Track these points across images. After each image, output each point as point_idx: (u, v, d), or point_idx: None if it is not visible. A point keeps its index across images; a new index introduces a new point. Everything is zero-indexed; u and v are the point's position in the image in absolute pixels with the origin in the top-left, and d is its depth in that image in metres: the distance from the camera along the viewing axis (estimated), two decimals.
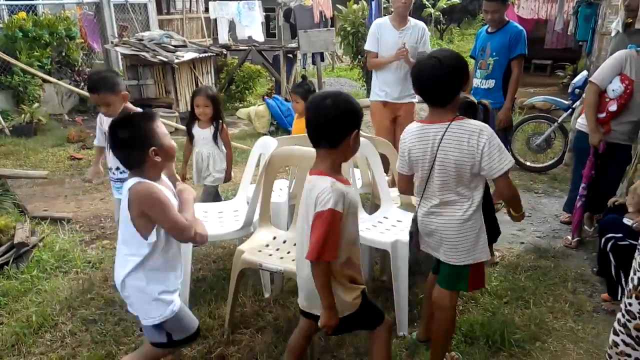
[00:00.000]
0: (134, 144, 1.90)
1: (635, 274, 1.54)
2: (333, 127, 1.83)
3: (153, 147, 1.90)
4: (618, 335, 1.58)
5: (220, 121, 3.57)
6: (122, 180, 2.57)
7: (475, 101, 2.77)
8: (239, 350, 2.52)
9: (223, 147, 3.62)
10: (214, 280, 3.19)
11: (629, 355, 1.55)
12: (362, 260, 3.16)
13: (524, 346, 2.53)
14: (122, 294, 2.00)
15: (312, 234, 1.79)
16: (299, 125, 4.12)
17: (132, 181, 1.90)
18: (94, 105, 3.51)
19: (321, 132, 1.86)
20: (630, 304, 1.53)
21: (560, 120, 5.33)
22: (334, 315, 1.84)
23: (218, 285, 3.09)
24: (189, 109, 3.67)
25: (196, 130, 3.56)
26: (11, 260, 3.31)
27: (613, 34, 4.32)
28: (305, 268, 1.87)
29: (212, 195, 3.71)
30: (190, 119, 3.61)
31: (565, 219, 4.19)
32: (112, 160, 3.00)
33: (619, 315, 1.58)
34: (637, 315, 1.51)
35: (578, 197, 3.63)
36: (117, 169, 2.98)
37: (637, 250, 1.54)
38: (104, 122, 3.10)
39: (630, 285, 1.56)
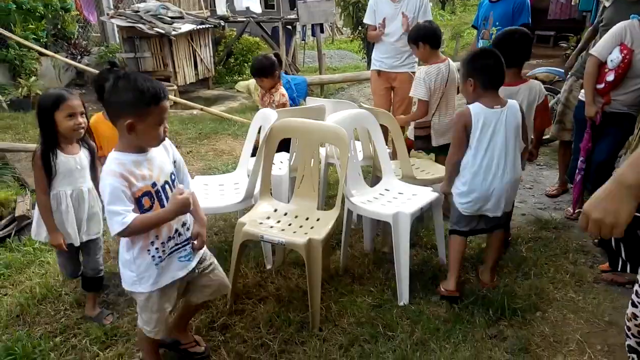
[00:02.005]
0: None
1: None
2: (525, 52, 2.92)
3: None
4: (637, 307, 1.56)
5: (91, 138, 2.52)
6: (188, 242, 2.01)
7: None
8: (241, 320, 2.54)
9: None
10: (216, 252, 3.16)
11: None
12: (363, 232, 3.20)
13: (524, 316, 2.55)
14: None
15: (545, 112, 2.94)
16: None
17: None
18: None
19: (521, 56, 2.91)
20: None
21: (562, 89, 5.27)
22: None
23: (220, 257, 3.08)
24: (43, 125, 2.27)
25: (63, 158, 2.28)
26: (13, 233, 3.33)
27: (607, 4, 4.23)
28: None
29: (101, 249, 2.60)
30: (47, 143, 2.26)
31: (552, 192, 4.20)
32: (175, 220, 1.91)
33: (636, 287, 1.57)
34: None
35: (577, 171, 3.62)
36: (183, 225, 1.98)
37: None
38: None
39: None
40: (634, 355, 1.60)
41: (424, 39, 3.42)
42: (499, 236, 2.79)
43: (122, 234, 1.75)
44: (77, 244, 2.40)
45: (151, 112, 1.76)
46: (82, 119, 2.29)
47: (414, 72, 4.51)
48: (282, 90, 3.84)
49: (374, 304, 2.66)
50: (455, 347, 2.33)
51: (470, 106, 2.54)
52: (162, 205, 1.86)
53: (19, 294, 2.73)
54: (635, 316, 1.56)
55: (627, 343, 1.62)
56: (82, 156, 2.38)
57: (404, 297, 2.67)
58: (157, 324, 1.97)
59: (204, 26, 8.63)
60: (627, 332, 1.61)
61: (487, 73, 2.52)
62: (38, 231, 2.43)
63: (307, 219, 2.70)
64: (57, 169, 2.26)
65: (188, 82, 8.47)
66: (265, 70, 3.73)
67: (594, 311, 2.60)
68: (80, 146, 2.39)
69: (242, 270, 2.90)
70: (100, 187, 1.78)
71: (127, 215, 1.72)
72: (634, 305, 1.57)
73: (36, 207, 2.36)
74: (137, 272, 1.87)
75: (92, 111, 3.25)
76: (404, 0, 4.31)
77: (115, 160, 1.79)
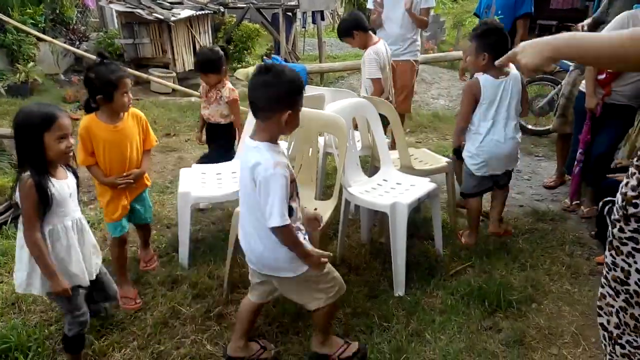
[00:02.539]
0: None
1: (612, 228, 1.62)
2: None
3: None
4: (604, 287, 1.66)
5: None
6: None
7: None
8: (237, 309, 2.52)
9: None
10: (212, 241, 3.20)
11: (612, 307, 1.62)
12: (360, 222, 3.20)
13: (519, 307, 2.55)
14: None
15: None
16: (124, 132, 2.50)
17: None
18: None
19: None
20: (606, 256, 1.62)
21: (563, 82, 5.24)
22: None
23: (217, 246, 3.10)
24: (32, 144, 1.87)
25: (57, 185, 1.92)
26: (9, 220, 3.32)
27: None
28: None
29: (107, 273, 2.32)
30: (38, 169, 1.87)
31: (550, 183, 4.20)
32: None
33: (604, 268, 1.67)
34: (612, 266, 1.58)
35: (575, 162, 3.61)
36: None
37: (615, 208, 1.58)
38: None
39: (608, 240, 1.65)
40: (605, 333, 1.68)
41: (356, 27, 3.74)
42: (500, 192, 3.21)
43: (278, 229, 1.78)
44: (86, 284, 2.05)
45: (300, 99, 1.83)
46: (72, 141, 1.97)
47: (416, 61, 4.49)
48: (230, 84, 3.51)
49: (370, 294, 2.66)
50: (450, 338, 2.34)
51: (480, 77, 2.86)
52: (297, 194, 1.94)
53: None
54: (603, 295, 1.65)
55: (599, 321, 1.70)
56: (72, 181, 2.04)
57: (400, 288, 2.67)
58: (336, 280, 2.05)
59: (203, 12, 8.54)
60: (599, 311, 1.69)
61: (499, 48, 2.72)
62: (30, 281, 1.95)
63: (304, 208, 2.69)
64: (51, 200, 1.88)
65: (187, 69, 8.40)
66: (213, 65, 3.35)
67: (590, 303, 2.60)
68: (65, 170, 2.04)
69: (238, 259, 2.88)
70: (265, 176, 1.75)
71: (287, 215, 1.78)
72: (602, 285, 1.66)
73: (22, 254, 1.93)
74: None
75: None
76: None
77: (274, 151, 1.81)
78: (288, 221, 1.78)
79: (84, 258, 2.02)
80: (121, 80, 2.37)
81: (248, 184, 1.84)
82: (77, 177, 2.09)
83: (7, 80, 7.06)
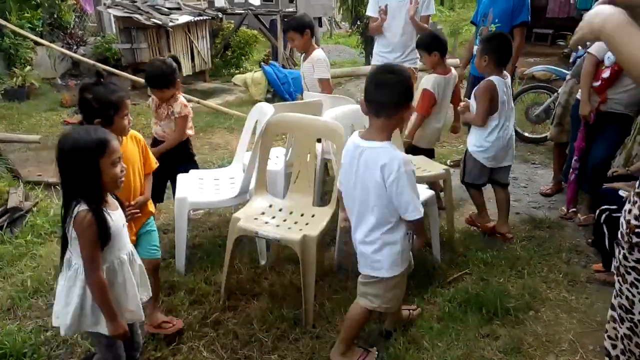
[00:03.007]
0: None
1: (618, 253, 1.60)
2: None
3: None
4: (614, 310, 1.63)
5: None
6: None
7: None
8: (234, 316, 2.53)
9: None
10: (210, 247, 3.19)
11: (618, 332, 1.60)
12: None
13: (517, 315, 2.55)
14: None
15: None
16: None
17: None
18: None
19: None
20: (615, 281, 1.59)
21: (560, 90, 5.26)
22: None
23: (214, 252, 3.09)
24: (85, 174, 1.67)
25: (114, 217, 1.74)
26: (5, 225, 3.30)
27: None
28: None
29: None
30: (96, 199, 1.70)
31: (547, 191, 4.20)
32: None
33: (614, 291, 1.64)
34: (618, 292, 1.57)
35: (571, 170, 3.62)
36: None
37: (620, 232, 1.56)
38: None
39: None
40: (607, 359, 1.66)
41: (310, 27, 4.04)
42: (503, 193, 3.37)
43: (416, 221, 1.92)
44: (142, 318, 1.89)
45: None
46: (123, 164, 1.80)
47: (416, 68, 4.50)
48: (183, 99, 3.22)
49: None
50: (448, 345, 2.33)
51: (493, 79, 3.07)
52: None
53: (10, 287, 2.71)
54: (614, 319, 1.62)
55: (604, 344, 1.68)
56: (121, 210, 1.85)
57: None
58: (399, 299, 2.19)
59: (201, 18, 8.54)
60: (605, 334, 1.67)
61: (500, 51, 3.06)
62: (81, 320, 1.74)
63: (302, 215, 2.69)
64: (110, 234, 1.69)
65: (184, 75, 8.38)
66: (167, 79, 3.05)
67: (587, 311, 2.61)
68: (113, 199, 1.84)
69: (235, 265, 2.89)
70: (399, 173, 1.86)
71: (422, 207, 1.93)
72: (612, 308, 1.63)
73: (71, 295, 1.72)
74: (401, 249, 2.02)
75: None
76: None
77: (396, 150, 1.92)
78: (420, 215, 1.91)
79: (143, 286, 1.88)
80: (122, 102, 2.14)
81: (370, 184, 1.93)
82: (122, 204, 1.89)
83: (3, 84, 7.04)
